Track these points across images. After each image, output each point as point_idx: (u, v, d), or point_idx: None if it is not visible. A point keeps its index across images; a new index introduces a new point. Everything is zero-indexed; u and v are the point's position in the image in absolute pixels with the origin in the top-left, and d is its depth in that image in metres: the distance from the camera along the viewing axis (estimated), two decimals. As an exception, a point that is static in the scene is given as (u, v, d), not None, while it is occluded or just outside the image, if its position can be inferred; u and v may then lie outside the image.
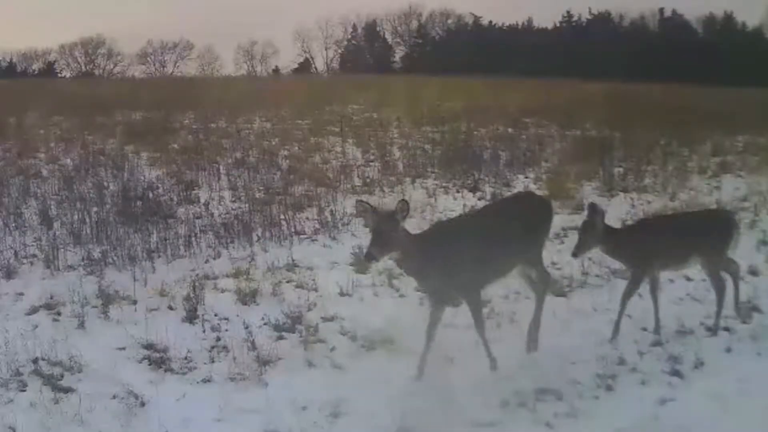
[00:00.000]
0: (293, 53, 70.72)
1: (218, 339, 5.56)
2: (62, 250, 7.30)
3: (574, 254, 5.53)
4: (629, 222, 6.36)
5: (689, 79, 30.90)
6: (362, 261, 5.05)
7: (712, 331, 5.71)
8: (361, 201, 4.97)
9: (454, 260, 4.83)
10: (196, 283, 6.38)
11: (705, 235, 5.69)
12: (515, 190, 10.51)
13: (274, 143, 13.69)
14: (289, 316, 5.83)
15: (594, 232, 5.44)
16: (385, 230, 4.62)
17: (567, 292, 6.60)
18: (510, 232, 5.14)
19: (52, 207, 8.81)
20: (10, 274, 6.85)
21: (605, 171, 11.37)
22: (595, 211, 5.47)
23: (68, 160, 11.61)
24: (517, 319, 5.98)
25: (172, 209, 8.89)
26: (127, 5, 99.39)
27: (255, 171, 10.97)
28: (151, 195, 9.44)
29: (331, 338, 5.57)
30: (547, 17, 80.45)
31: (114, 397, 4.70)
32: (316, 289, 6.52)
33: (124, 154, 12.04)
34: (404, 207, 4.71)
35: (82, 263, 7.15)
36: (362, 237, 7.42)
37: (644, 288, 6.48)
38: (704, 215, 6.42)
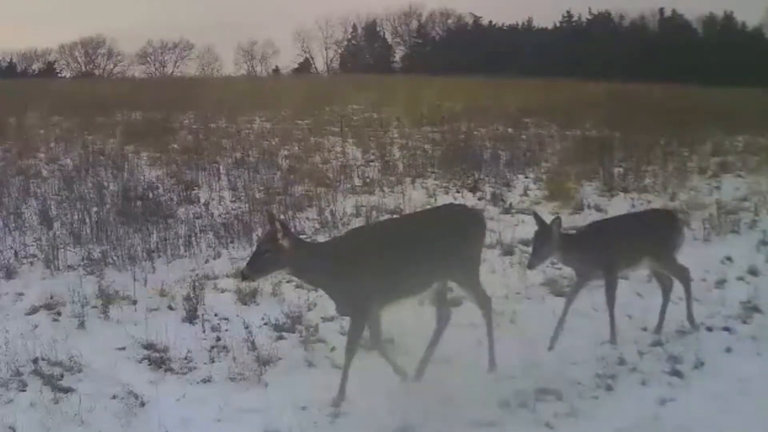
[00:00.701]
0: (293, 53, 70.62)
1: (218, 339, 5.56)
2: (62, 250, 7.30)
3: (530, 266, 5.40)
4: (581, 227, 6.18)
5: (689, 79, 30.87)
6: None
7: (656, 333, 5.67)
8: (269, 210, 4.83)
9: (351, 273, 4.60)
10: (196, 283, 6.39)
11: (651, 235, 5.69)
12: (515, 190, 10.53)
13: (274, 143, 13.69)
14: (289, 316, 5.83)
15: (548, 241, 5.28)
16: (264, 251, 4.53)
17: (566, 292, 6.59)
18: (425, 246, 4.79)
19: (52, 207, 8.80)
20: (10, 274, 6.85)
21: (605, 171, 11.37)
22: (543, 220, 5.34)
23: (68, 160, 11.60)
24: (516, 320, 5.98)
25: (172, 209, 8.89)
26: (127, 5, 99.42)
27: (255, 171, 10.97)
28: (151, 195, 9.44)
29: (331, 338, 5.57)
30: (547, 17, 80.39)
31: (114, 397, 4.70)
32: (316, 289, 6.52)
33: (124, 154, 12.04)
34: (283, 224, 4.60)
35: (82, 263, 7.15)
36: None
37: (644, 288, 6.50)
38: (649, 216, 6.37)
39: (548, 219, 5.39)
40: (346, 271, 4.61)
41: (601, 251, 5.54)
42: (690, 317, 5.79)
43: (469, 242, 5.07)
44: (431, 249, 4.81)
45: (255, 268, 4.56)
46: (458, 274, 5.05)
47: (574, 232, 5.87)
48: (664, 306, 5.81)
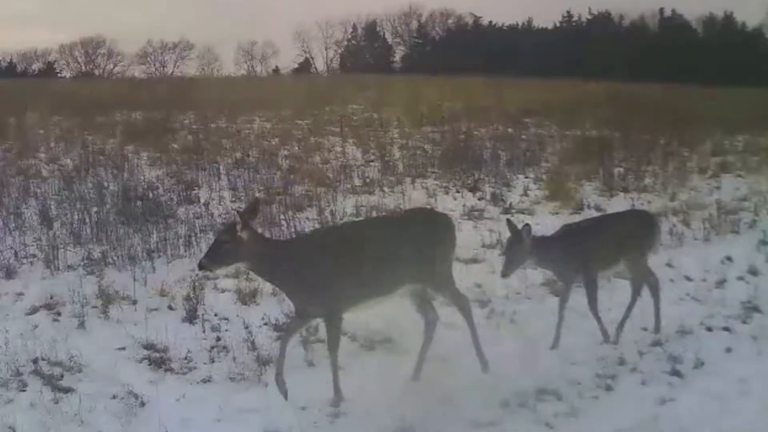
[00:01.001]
0: (293, 53, 70.40)
1: (218, 339, 5.57)
2: (62, 250, 7.30)
3: (503, 274, 5.34)
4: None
5: (689, 79, 30.86)
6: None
7: (611, 340, 5.57)
8: (236, 211, 4.74)
9: (314, 272, 4.59)
10: (196, 283, 6.39)
11: (628, 236, 5.66)
12: (515, 190, 10.53)
13: (274, 143, 13.68)
14: (289, 316, 5.82)
15: (520, 248, 5.26)
16: (222, 242, 4.53)
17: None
18: (390, 248, 4.78)
19: (52, 207, 8.80)
20: (10, 274, 6.84)
21: (605, 171, 11.38)
22: (516, 227, 5.30)
23: (68, 160, 11.59)
24: (516, 320, 5.98)
25: (172, 209, 8.89)
26: (127, 5, 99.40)
27: (255, 171, 10.97)
28: (151, 195, 9.44)
29: (331, 338, 5.56)
30: (547, 17, 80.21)
31: (114, 397, 4.70)
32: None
33: (124, 154, 12.03)
34: (249, 212, 4.60)
35: (82, 263, 7.14)
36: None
37: (644, 288, 6.48)
38: (626, 217, 6.32)
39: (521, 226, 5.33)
40: (304, 270, 4.58)
41: (576, 254, 5.49)
42: (657, 323, 5.70)
43: (438, 246, 5.00)
44: (396, 252, 4.78)
45: (212, 258, 4.54)
46: (429, 278, 4.97)
47: (548, 235, 5.78)
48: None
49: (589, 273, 5.54)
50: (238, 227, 4.49)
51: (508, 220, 5.59)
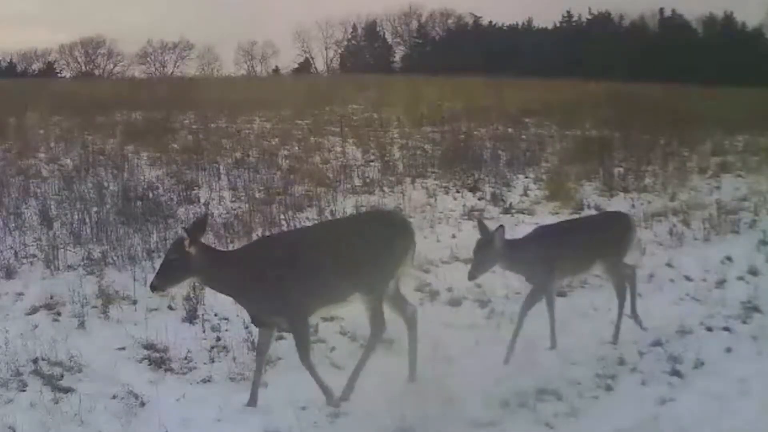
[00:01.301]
0: (293, 53, 70.40)
1: (218, 339, 5.57)
2: (62, 250, 7.30)
3: (470, 277, 5.21)
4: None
5: (689, 79, 30.88)
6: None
7: (612, 342, 5.56)
8: (183, 227, 4.68)
9: (264, 281, 4.48)
10: (196, 283, 6.37)
11: (605, 239, 5.57)
12: (515, 190, 10.53)
13: (274, 143, 13.68)
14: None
15: (490, 252, 5.09)
16: (171, 260, 4.44)
17: (567, 292, 6.60)
18: (343, 253, 4.60)
19: (52, 207, 8.80)
20: (10, 274, 6.84)
21: (605, 171, 11.38)
22: (487, 228, 5.16)
23: (68, 160, 11.59)
24: (516, 319, 5.97)
25: (172, 209, 8.89)
26: (127, 5, 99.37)
27: (255, 171, 10.97)
28: (151, 195, 9.44)
29: (331, 338, 5.57)
30: (547, 17, 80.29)
31: (114, 397, 4.70)
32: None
33: (124, 154, 12.03)
34: (197, 227, 4.49)
35: (82, 263, 7.14)
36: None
37: (644, 288, 6.49)
38: (602, 219, 6.27)
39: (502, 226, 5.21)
40: (255, 279, 4.48)
41: (547, 257, 5.32)
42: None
43: (389, 251, 4.76)
44: (349, 256, 4.61)
45: (163, 278, 4.45)
46: (363, 285, 4.71)
47: (518, 237, 5.65)
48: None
49: (549, 284, 5.40)
50: (186, 243, 4.39)
51: (478, 220, 5.47)
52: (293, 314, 4.57)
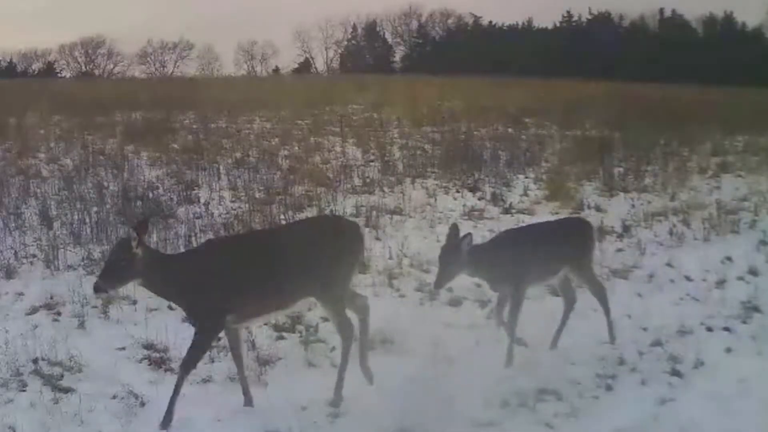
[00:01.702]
0: (293, 53, 70.45)
1: (218, 339, 5.55)
2: (62, 250, 7.30)
3: (435, 286, 5.07)
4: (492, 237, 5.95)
5: (689, 79, 30.90)
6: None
7: (610, 341, 5.51)
8: (131, 227, 4.54)
9: (198, 286, 4.40)
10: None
11: (567, 243, 5.48)
12: (515, 190, 10.52)
13: (274, 143, 13.68)
14: (289, 316, 5.83)
15: (456, 260, 4.93)
16: (117, 260, 4.32)
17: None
18: (289, 259, 4.49)
19: (52, 207, 8.80)
20: (10, 274, 6.84)
21: (605, 171, 11.38)
22: (455, 234, 4.97)
23: (68, 160, 11.59)
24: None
25: (172, 209, 8.89)
26: (127, 5, 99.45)
27: (255, 171, 10.97)
28: (151, 195, 9.44)
29: (331, 338, 5.56)
30: (547, 17, 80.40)
31: (114, 397, 4.70)
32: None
33: (124, 154, 12.02)
34: (140, 229, 4.35)
35: (82, 263, 7.14)
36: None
37: (644, 287, 6.49)
38: (561, 224, 6.17)
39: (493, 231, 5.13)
40: (193, 285, 4.40)
41: (511, 263, 5.16)
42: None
43: (340, 257, 4.67)
44: (295, 262, 4.50)
45: (109, 279, 4.34)
46: (319, 292, 4.63)
47: (483, 243, 5.53)
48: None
49: (521, 287, 5.23)
50: (134, 243, 4.29)
51: (452, 226, 5.16)
52: (205, 319, 4.44)
